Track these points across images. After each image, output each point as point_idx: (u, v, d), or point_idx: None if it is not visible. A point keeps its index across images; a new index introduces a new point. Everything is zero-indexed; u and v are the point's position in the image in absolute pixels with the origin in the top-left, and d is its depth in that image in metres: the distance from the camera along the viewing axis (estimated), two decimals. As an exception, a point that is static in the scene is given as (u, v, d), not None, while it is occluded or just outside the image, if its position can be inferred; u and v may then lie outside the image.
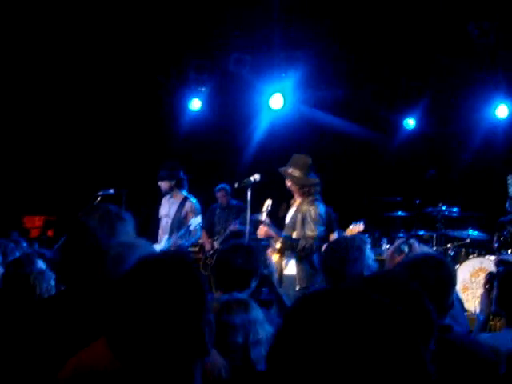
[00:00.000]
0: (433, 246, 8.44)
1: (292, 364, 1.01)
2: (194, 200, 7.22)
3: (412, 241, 4.26)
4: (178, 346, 1.51)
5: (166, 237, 6.91)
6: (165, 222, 7.12)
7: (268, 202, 5.91)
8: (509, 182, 8.24)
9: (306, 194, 5.69)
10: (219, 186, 8.81)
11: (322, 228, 5.59)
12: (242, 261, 3.46)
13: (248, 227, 6.02)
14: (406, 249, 4.04)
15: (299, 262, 5.51)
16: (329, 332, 1.00)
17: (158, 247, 6.78)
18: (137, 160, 9.59)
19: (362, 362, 0.98)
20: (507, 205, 8.47)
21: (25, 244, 6.17)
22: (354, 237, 4.02)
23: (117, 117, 9.60)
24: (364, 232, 8.45)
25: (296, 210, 5.70)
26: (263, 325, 2.76)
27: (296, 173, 5.74)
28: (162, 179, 7.15)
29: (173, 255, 1.75)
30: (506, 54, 9.12)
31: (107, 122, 9.56)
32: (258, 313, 2.78)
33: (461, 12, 8.49)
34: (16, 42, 8.43)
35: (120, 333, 1.54)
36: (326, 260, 3.81)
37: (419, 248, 4.11)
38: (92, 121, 9.47)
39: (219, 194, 8.76)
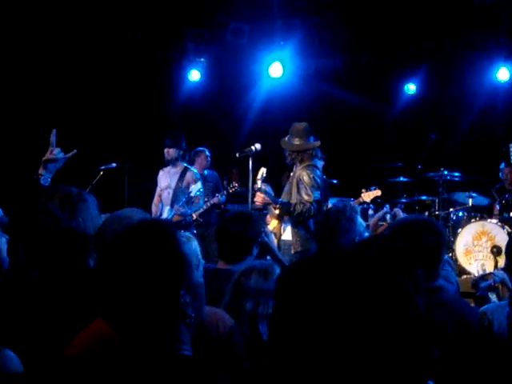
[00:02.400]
0: (435, 211, 8.48)
1: (292, 329, 1.01)
2: (194, 170, 7.23)
3: (396, 210, 4.28)
4: (156, 311, 1.56)
5: (169, 208, 6.94)
6: (167, 194, 7.13)
7: (262, 170, 5.95)
8: (511, 149, 8.23)
9: (305, 158, 5.69)
10: (199, 149, 8.23)
11: (318, 192, 5.59)
12: (243, 228, 3.49)
13: (250, 196, 6.05)
14: (389, 218, 4.06)
15: (295, 226, 5.56)
16: (327, 292, 1.01)
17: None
18: (137, 133, 9.58)
19: (363, 318, 0.98)
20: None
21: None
22: (344, 207, 4.03)
23: (116, 89, 9.56)
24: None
25: (292, 176, 5.74)
26: None
27: (295, 141, 5.76)
28: (171, 146, 7.04)
29: (151, 223, 1.76)
30: (506, 17, 9.04)
31: (106, 94, 9.53)
32: None
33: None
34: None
35: (107, 303, 1.60)
36: (318, 231, 3.85)
37: (403, 216, 4.12)
38: (91, 94, 9.44)
39: (201, 156, 8.15)
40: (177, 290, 1.57)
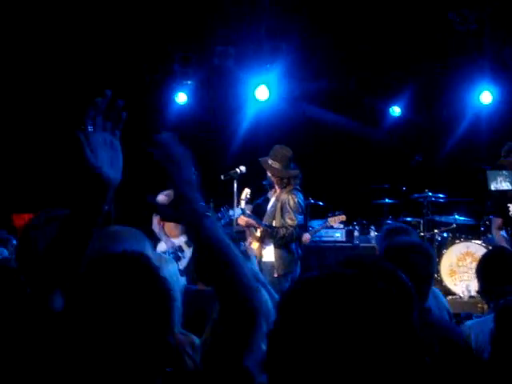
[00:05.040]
0: (420, 232, 8.53)
1: (293, 349, 1.02)
2: None
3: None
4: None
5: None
6: None
7: (246, 191, 6.02)
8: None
9: (284, 185, 5.79)
10: None
11: (301, 216, 5.70)
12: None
13: (236, 218, 6.07)
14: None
15: (277, 249, 5.62)
16: (325, 315, 1.01)
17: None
18: (125, 155, 9.56)
19: (361, 342, 1.00)
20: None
21: (14, 242, 6.18)
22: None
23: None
24: (352, 220, 8.59)
25: (275, 200, 5.81)
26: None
27: (275, 165, 5.83)
28: None
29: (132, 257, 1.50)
30: (489, 41, 9.21)
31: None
32: None
33: (441, 0, 8.63)
34: None
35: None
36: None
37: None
38: (77, 115, 9.44)
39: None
40: (161, 337, 1.37)
